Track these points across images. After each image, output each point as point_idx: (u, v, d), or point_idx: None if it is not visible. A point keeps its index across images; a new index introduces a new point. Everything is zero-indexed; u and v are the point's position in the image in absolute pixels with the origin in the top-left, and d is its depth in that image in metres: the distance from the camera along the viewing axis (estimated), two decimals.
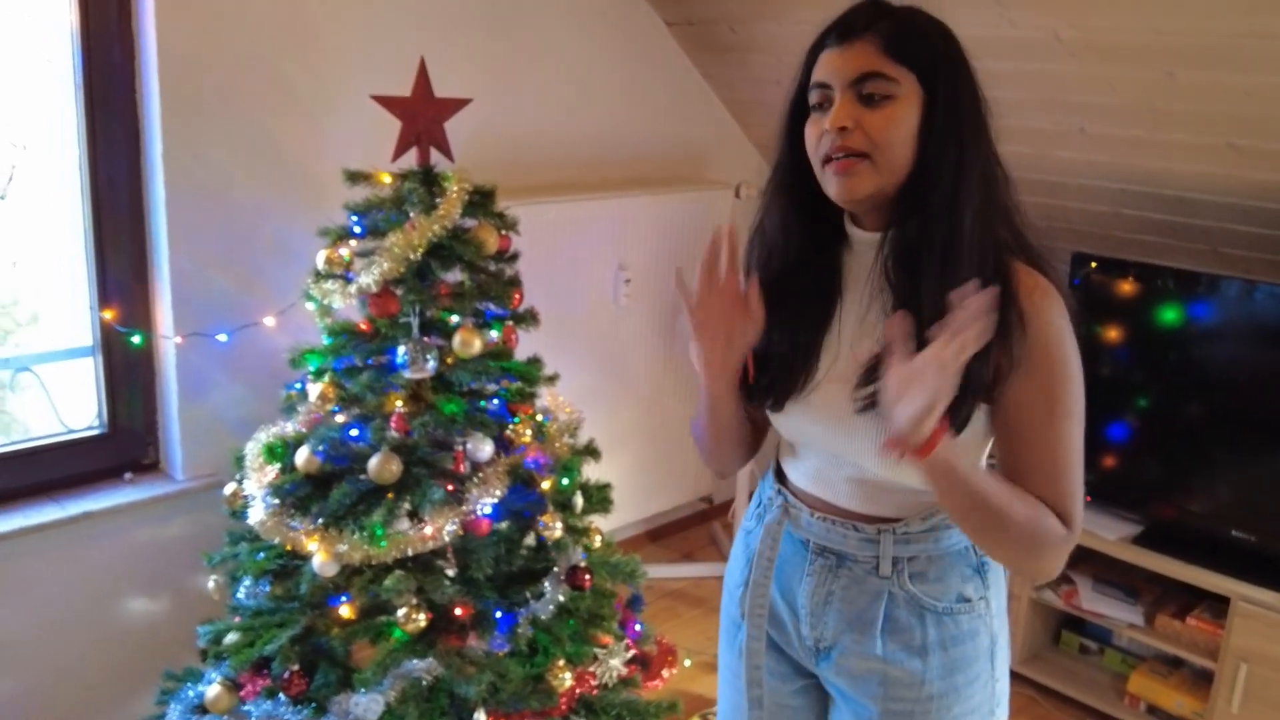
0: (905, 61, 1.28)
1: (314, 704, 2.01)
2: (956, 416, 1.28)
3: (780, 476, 1.56)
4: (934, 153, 1.29)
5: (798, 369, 1.42)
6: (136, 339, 2.57)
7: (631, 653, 2.35)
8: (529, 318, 2.27)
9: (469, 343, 2.11)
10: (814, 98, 1.34)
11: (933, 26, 1.33)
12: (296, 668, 2.02)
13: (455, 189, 2.11)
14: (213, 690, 2.04)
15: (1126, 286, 2.96)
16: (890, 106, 1.29)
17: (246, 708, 2.03)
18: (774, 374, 1.44)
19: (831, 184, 1.33)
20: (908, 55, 1.29)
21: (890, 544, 1.43)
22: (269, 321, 2.66)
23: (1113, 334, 3.00)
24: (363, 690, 1.98)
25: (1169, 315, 2.89)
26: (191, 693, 2.10)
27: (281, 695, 2.01)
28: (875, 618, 1.45)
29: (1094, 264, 2.99)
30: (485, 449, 2.12)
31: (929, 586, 1.43)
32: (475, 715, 2.03)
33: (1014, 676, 3.15)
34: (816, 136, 1.33)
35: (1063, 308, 1.31)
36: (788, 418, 1.46)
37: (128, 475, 2.65)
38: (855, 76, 1.29)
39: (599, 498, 2.39)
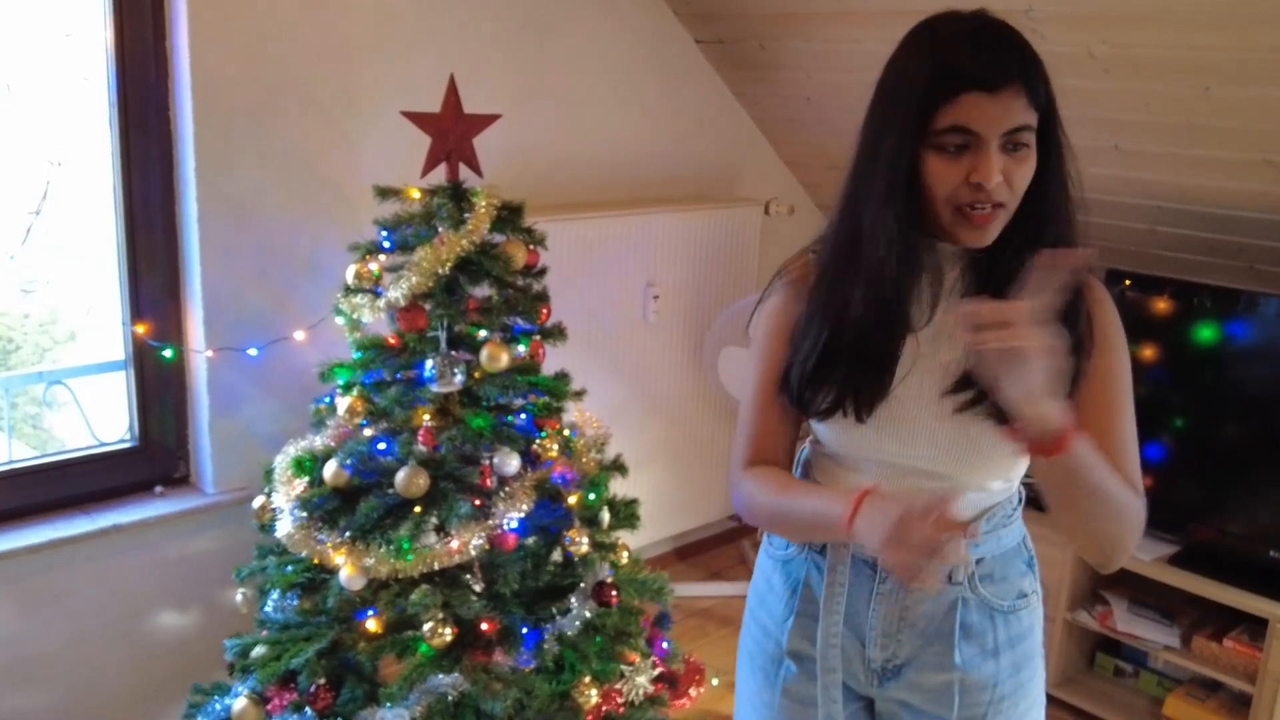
0: (1038, 108, 1.26)
1: (340, 718, 2.01)
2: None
3: None
4: (1052, 189, 1.31)
5: (882, 374, 1.37)
6: (168, 353, 2.59)
7: (659, 670, 2.33)
8: (557, 333, 2.27)
9: (496, 357, 2.11)
10: (955, 139, 1.25)
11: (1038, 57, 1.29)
12: (323, 682, 2.02)
13: (484, 204, 2.11)
14: (239, 704, 2.04)
15: (1162, 304, 2.92)
16: (1027, 155, 1.27)
17: None
18: (856, 384, 1.37)
19: (965, 231, 1.30)
20: (1039, 101, 1.26)
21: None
22: (299, 336, 2.68)
23: (1148, 352, 2.96)
24: (389, 705, 1.98)
25: (1205, 333, 2.85)
26: (219, 706, 2.11)
27: (308, 709, 2.01)
28: (952, 627, 1.43)
29: (1128, 281, 2.96)
30: (512, 463, 2.12)
31: (995, 587, 1.44)
32: None
33: (1049, 700, 3.10)
34: (954, 181, 1.26)
35: None
36: (865, 428, 1.39)
37: (158, 488, 2.67)
38: (1009, 129, 1.24)
39: (626, 513, 2.38)
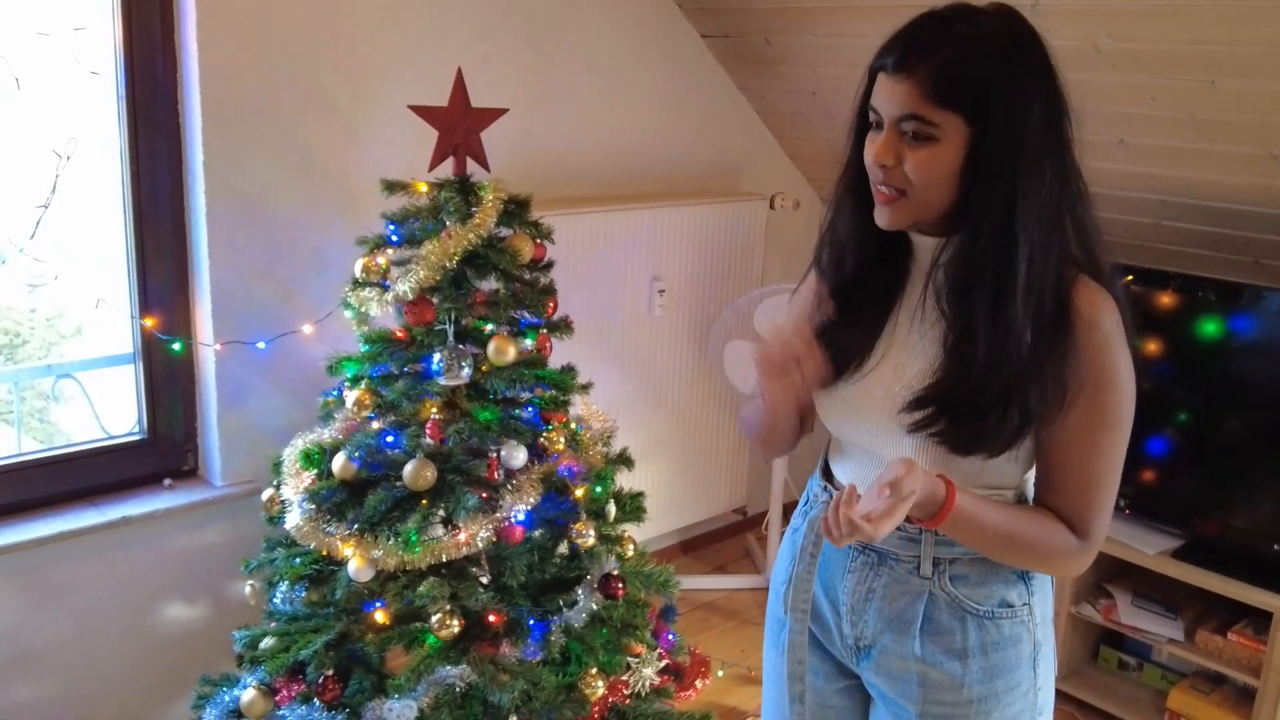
0: (951, 105, 1.25)
1: (348, 710, 2.02)
2: (1008, 443, 1.33)
3: (827, 473, 1.58)
4: (983, 189, 1.28)
5: (853, 352, 1.44)
6: (177, 346, 2.60)
7: (664, 663, 2.34)
8: (563, 326, 2.28)
9: (503, 351, 2.12)
10: (871, 115, 1.34)
11: (996, 54, 1.26)
12: (331, 673, 2.03)
13: (491, 198, 2.12)
14: (248, 695, 2.05)
15: (1166, 299, 2.92)
16: (929, 149, 1.28)
17: (281, 713, 2.04)
18: (831, 350, 1.45)
19: (875, 208, 1.37)
20: (954, 99, 1.25)
21: (931, 543, 1.43)
22: (307, 329, 2.69)
23: (1152, 347, 2.96)
24: (396, 696, 1.99)
25: (1209, 328, 2.85)
26: (227, 697, 2.12)
27: (316, 701, 2.02)
28: (914, 618, 1.44)
29: (1130, 276, 2.96)
30: (519, 456, 2.13)
31: (971, 589, 1.43)
32: None
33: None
34: (869, 158, 1.34)
35: (1117, 320, 1.32)
36: (830, 396, 1.48)
37: (167, 481, 2.68)
38: (898, 115, 1.28)
39: (632, 506, 2.39)
